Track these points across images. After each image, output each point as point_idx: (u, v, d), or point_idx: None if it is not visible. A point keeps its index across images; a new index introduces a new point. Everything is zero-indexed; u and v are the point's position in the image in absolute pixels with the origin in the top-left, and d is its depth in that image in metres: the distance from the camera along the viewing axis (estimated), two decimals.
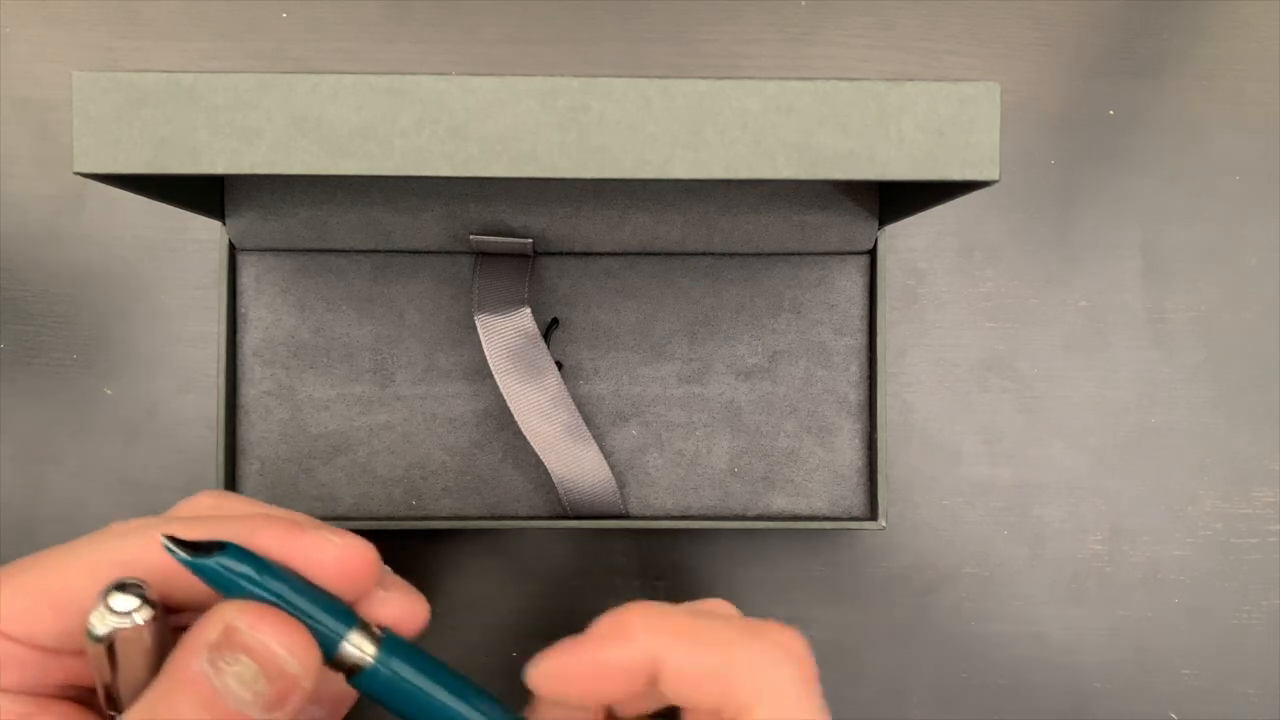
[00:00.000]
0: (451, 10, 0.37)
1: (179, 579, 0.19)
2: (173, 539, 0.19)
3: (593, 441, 0.34)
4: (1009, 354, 0.38)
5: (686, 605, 0.23)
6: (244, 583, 0.19)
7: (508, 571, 0.37)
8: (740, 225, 0.34)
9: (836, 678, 0.37)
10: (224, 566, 0.19)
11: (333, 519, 0.34)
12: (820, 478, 0.35)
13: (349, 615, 0.20)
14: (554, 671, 0.21)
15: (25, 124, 0.36)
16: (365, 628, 0.20)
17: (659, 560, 0.37)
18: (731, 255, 0.35)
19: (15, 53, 0.36)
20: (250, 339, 0.35)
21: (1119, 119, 0.38)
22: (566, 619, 0.37)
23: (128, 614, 0.19)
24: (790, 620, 0.37)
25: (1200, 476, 0.38)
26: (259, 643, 0.19)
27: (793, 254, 0.35)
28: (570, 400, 0.34)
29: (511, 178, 0.23)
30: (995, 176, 0.24)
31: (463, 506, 0.35)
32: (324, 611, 0.20)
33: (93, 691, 0.21)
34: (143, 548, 0.20)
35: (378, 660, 0.20)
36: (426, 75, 0.23)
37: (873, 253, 0.35)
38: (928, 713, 0.37)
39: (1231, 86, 0.38)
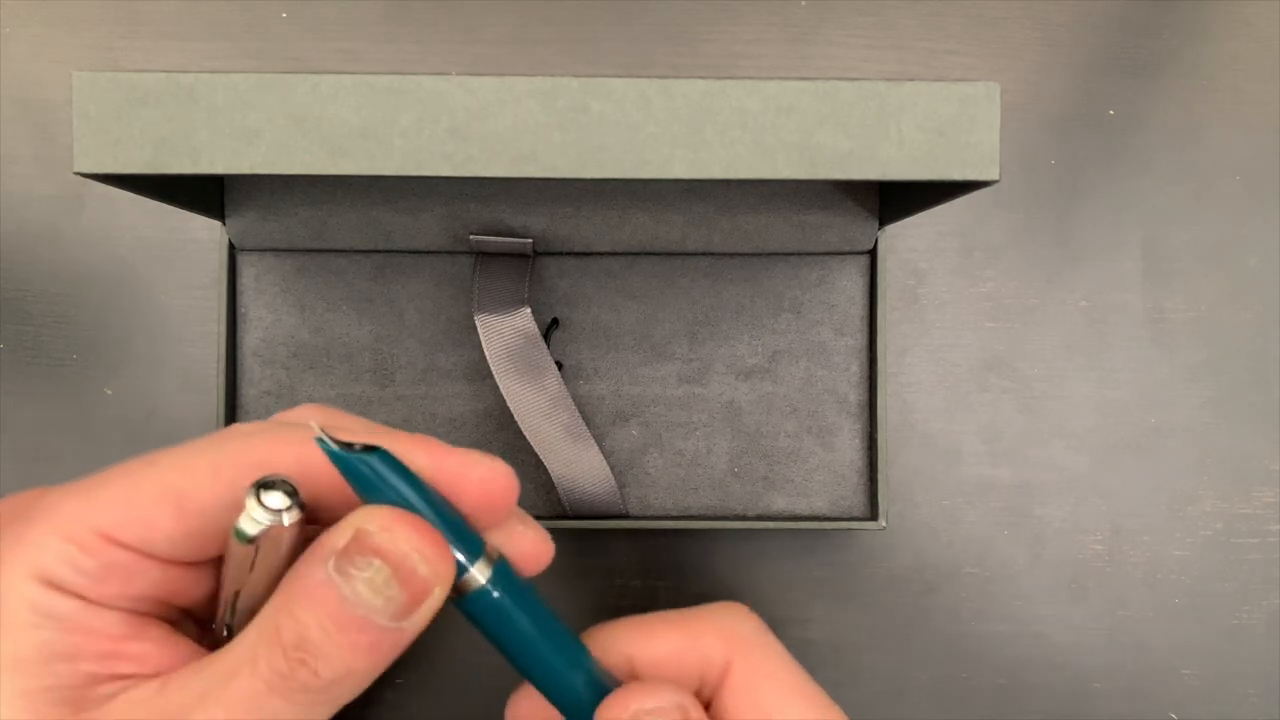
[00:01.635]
0: (451, 10, 0.37)
1: (312, 484, 0.19)
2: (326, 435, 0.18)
3: (593, 441, 0.34)
4: (1009, 354, 0.38)
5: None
6: (393, 486, 0.18)
7: None
8: (740, 225, 0.34)
9: (836, 678, 0.37)
10: (374, 467, 0.18)
11: None
12: (820, 478, 0.35)
13: (478, 541, 0.20)
14: (619, 643, 0.22)
15: (25, 124, 0.36)
16: (486, 554, 0.20)
17: (659, 560, 0.37)
18: (731, 255, 0.35)
19: (15, 53, 0.36)
20: (250, 339, 0.35)
21: (1119, 119, 0.38)
22: (567, 619, 0.37)
23: (278, 512, 0.18)
24: (790, 620, 0.37)
25: (1200, 476, 0.38)
26: (393, 545, 0.18)
27: (793, 254, 0.35)
28: (570, 400, 0.34)
29: (511, 178, 0.23)
30: (995, 176, 0.24)
31: None
32: (456, 534, 0.19)
33: (183, 613, 0.21)
34: (275, 447, 0.19)
35: (489, 583, 0.20)
36: (426, 75, 0.23)
37: (873, 253, 0.35)
38: (928, 713, 0.37)
39: (1232, 86, 0.38)
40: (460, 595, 0.20)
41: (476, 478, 0.20)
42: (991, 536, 0.37)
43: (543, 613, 0.21)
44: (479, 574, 0.20)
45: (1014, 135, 0.37)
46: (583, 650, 0.21)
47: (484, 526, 0.20)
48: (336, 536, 0.18)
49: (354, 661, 0.18)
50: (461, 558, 0.19)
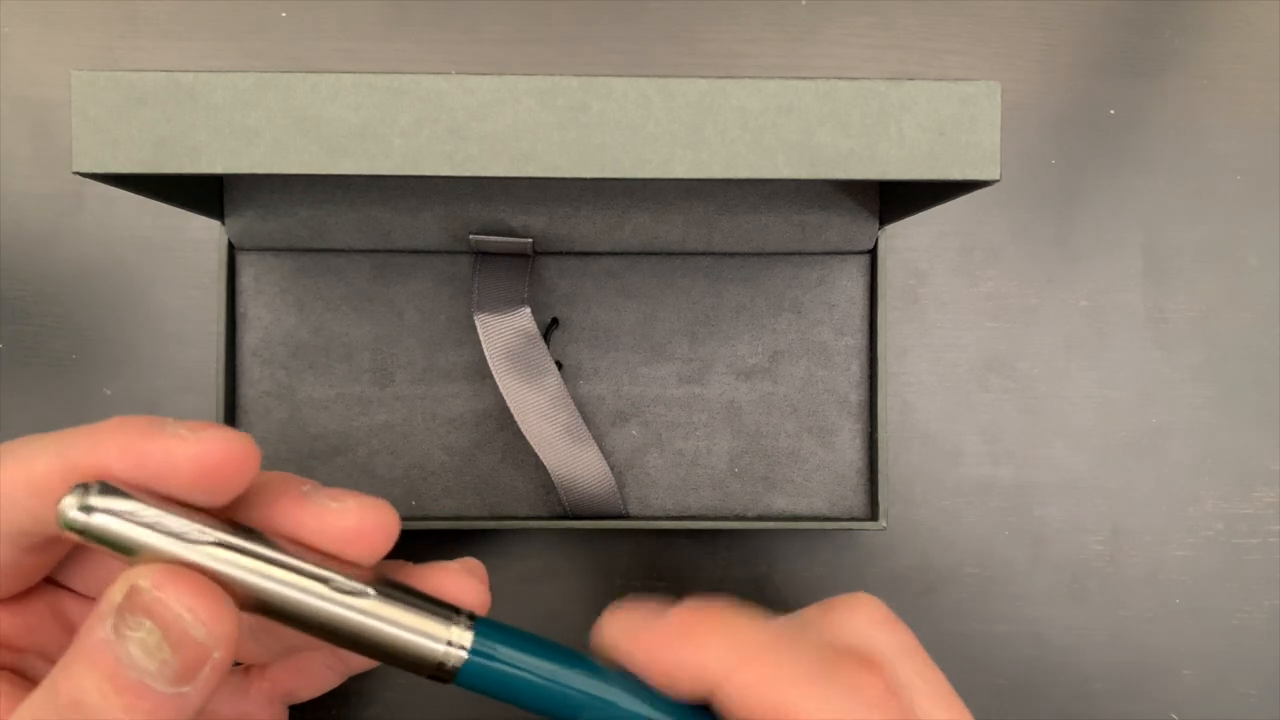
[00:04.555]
0: (451, 10, 0.37)
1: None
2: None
3: (593, 441, 0.34)
4: (1010, 354, 0.37)
5: (817, 606, 0.22)
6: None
7: (508, 571, 0.37)
8: (740, 225, 0.34)
9: None
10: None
11: None
12: (820, 478, 0.35)
13: (449, 611, 0.19)
14: (620, 643, 0.20)
15: (24, 123, 0.36)
16: (460, 620, 0.19)
17: (659, 560, 0.37)
18: (732, 255, 0.35)
19: (14, 52, 0.36)
20: (249, 339, 0.35)
21: (1120, 118, 0.38)
22: (566, 619, 0.37)
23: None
24: None
25: (1201, 476, 0.37)
26: (161, 605, 0.17)
27: (793, 254, 0.35)
28: (570, 400, 0.34)
29: (511, 177, 0.23)
30: (996, 176, 0.24)
31: (462, 506, 0.35)
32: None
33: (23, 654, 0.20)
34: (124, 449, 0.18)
35: (473, 652, 0.18)
36: (426, 74, 0.23)
37: (873, 252, 0.35)
38: None
39: (1233, 86, 0.38)
40: (449, 677, 0.19)
41: (190, 454, 0.18)
42: (992, 537, 0.37)
43: (550, 654, 0.19)
44: (457, 648, 0.18)
45: (1015, 135, 0.37)
46: (603, 676, 0.20)
47: (227, 504, 0.19)
48: (115, 591, 0.17)
49: None
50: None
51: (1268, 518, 0.37)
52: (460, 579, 0.21)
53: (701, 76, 0.23)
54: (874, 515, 0.35)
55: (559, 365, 0.34)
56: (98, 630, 0.17)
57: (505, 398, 0.33)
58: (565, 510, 0.34)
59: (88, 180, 0.24)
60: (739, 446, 0.35)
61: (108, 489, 0.17)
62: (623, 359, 0.35)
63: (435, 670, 0.19)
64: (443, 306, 0.35)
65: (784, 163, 0.23)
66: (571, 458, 0.33)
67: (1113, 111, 0.38)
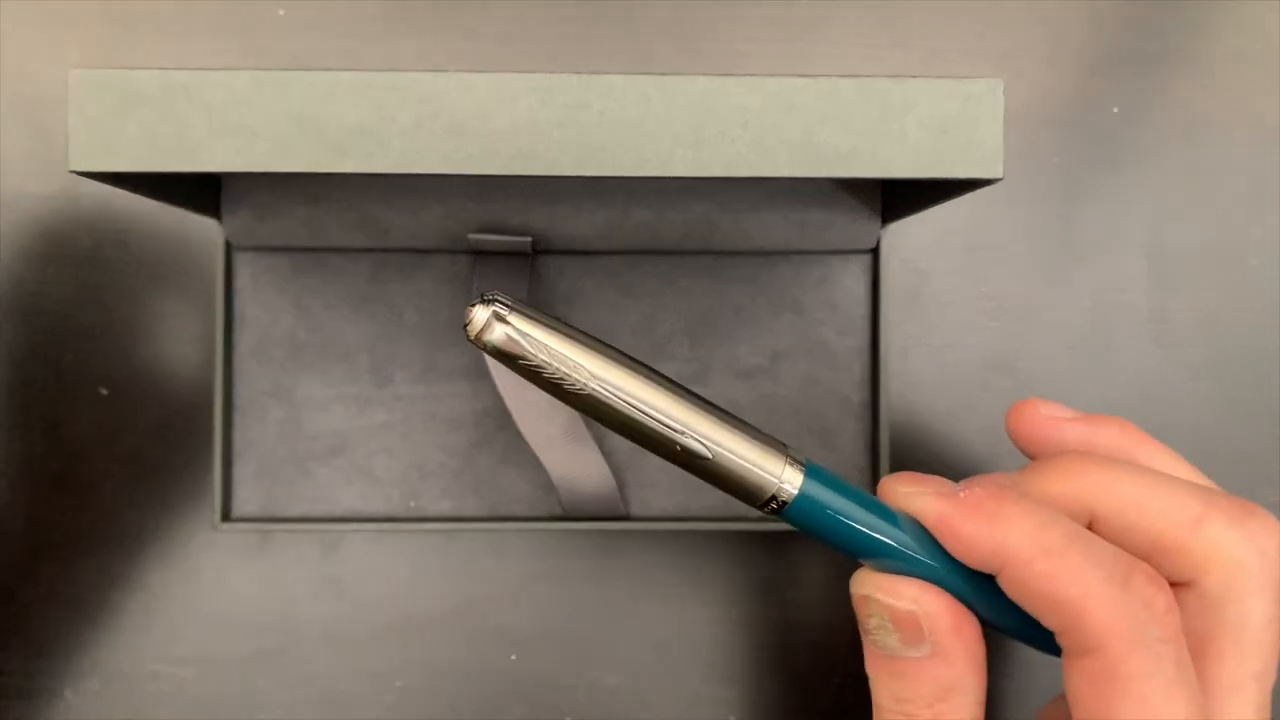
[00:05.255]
0: (450, 8, 0.37)
1: None
2: None
3: (593, 441, 0.34)
4: (1012, 354, 0.37)
5: (1194, 494, 0.22)
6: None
7: (508, 572, 0.37)
8: (741, 224, 0.34)
9: (841, 679, 0.37)
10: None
11: (331, 520, 0.34)
12: None
13: (781, 446, 0.21)
14: (914, 502, 0.22)
15: (22, 122, 0.36)
16: (791, 458, 0.21)
17: (660, 562, 0.37)
18: (732, 254, 0.35)
19: (12, 51, 0.36)
20: (247, 339, 0.35)
21: (1123, 117, 0.38)
22: (566, 620, 0.37)
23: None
24: (793, 622, 0.37)
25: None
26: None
27: (794, 253, 0.35)
28: None
29: (510, 176, 0.23)
30: (998, 175, 0.24)
31: (462, 507, 0.35)
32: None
33: None
34: None
35: (804, 489, 0.21)
36: (425, 73, 0.23)
37: (875, 252, 0.35)
38: None
39: (1236, 84, 0.38)
40: (779, 509, 0.21)
41: None
42: None
43: (866, 503, 0.22)
44: (790, 483, 0.21)
45: (1017, 133, 0.37)
46: (906, 530, 0.22)
47: None
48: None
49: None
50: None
51: None
52: None
53: (702, 74, 0.23)
54: None
55: None
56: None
57: (504, 398, 0.33)
58: (565, 511, 0.34)
59: (86, 179, 0.24)
60: None
61: (511, 307, 0.19)
62: None
63: (767, 502, 0.21)
64: (442, 306, 0.35)
65: (785, 161, 0.23)
66: (571, 458, 0.33)
67: (1116, 110, 0.38)
